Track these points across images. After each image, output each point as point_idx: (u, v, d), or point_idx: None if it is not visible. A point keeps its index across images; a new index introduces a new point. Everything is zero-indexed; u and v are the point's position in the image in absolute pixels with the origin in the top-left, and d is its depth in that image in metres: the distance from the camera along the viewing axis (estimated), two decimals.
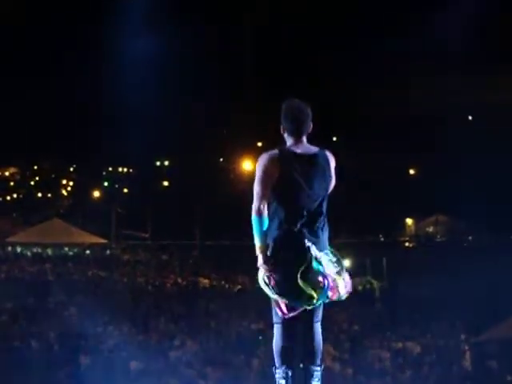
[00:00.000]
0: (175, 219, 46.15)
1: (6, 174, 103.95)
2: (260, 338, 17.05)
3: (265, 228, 5.58)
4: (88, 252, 44.32)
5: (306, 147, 5.70)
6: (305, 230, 5.49)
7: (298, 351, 5.72)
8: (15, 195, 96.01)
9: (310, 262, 5.41)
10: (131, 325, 18.94)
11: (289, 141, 5.74)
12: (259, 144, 54.84)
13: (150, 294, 26.81)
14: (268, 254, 5.56)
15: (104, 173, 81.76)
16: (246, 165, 44.55)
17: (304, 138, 5.73)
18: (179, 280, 32.07)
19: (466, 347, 16.47)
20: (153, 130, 58.80)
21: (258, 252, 5.60)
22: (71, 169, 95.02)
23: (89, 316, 20.88)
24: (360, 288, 30.30)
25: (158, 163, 75.42)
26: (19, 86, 66.53)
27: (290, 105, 5.80)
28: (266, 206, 5.59)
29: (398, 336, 17.85)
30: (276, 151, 5.61)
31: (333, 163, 5.75)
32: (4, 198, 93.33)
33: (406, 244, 51.64)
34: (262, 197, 5.55)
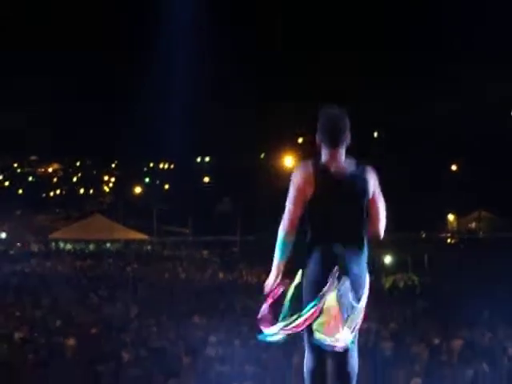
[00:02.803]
0: (216, 215, 46.26)
1: (49, 170, 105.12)
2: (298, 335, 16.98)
3: (288, 248, 5.37)
4: (129, 248, 44.64)
5: (342, 162, 5.38)
6: (340, 251, 5.23)
7: (330, 373, 5.42)
8: (58, 191, 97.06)
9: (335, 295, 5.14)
10: (171, 320, 18.98)
11: (324, 153, 5.41)
12: (299, 140, 54.81)
13: (190, 290, 26.86)
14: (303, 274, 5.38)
15: (145, 169, 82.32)
16: (287, 161, 44.47)
17: (341, 151, 5.39)
18: (219, 276, 32.13)
19: (509, 344, 16.25)
20: (193, 127, 59.02)
21: (273, 268, 5.47)
22: (113, 165, 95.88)
23: (130, 311, 21.02)
24: (401, 285, 30.14)
25: (198, 159, 75.72)
26: (63, 86, 67.25)
27: (325, 115, 5.47)
28: (294, 226, 5.33)
29: (440, 332, 17.69)
30: (311, 167, 5.31)
31: (373, 179, 5.43)
32: (47, 195, 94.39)
33: (448, 240, 51.26)
34: (293, 215, 5.30)
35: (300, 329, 5.33)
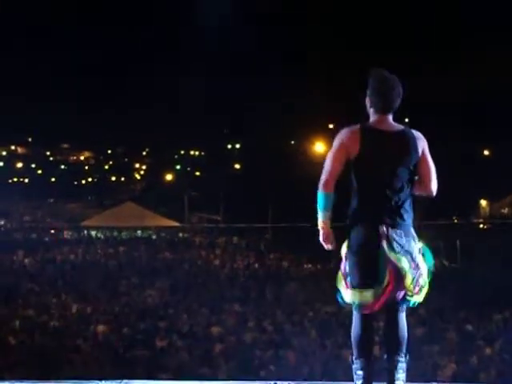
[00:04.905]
0: (247, 202, 46.21)
1: (81, 158, 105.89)
2: (333, 320, 17.04)
3: (329, 205, 5.25)
4: (161, 235, 44.79)
5: (390, 124, 5.31)
6: (386, 212, 5.18)
7: (383, 341, 5.49)
8: (90, 179, 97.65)
9: (382, 251, 5.13)
10: (205, 307, 19.06)
11: (373, 116, 5.35)
12: (330, 126, 54.52)
13: (223, 277, 26.95)
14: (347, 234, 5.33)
15: (176, 156, 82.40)
16: (318, 147, 44.22)
17: (390, 116, 5.33)
18: (251, 262, 32.15)
19: None
20: (223, 113, 59.06)
21: (319, 227, 5.31)
22: (144, 153, 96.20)
23: (162, 299, 21.14)
24: (433, 270, 29.96)
25: (229, 146, 75.59)
26: (93, 75, 67.70)
27: (379, 78, 5.33)
28: (332, 183, 5.25)
29: (469, 319, 17.63)
30: (358, 126, 5.26)
31: (422, 139, 5.33)
32: (79, 182, 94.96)
33: (481, 226, 50.87)
34: (332, 171, 5.24)
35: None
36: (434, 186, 5.46)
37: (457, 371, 12.61)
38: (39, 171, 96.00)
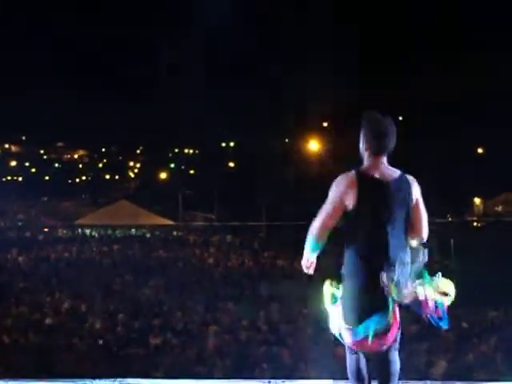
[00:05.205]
0: (241, 200, 46.19)
1: (75, 156, 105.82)
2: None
3: (318, 250, 5.28)
4: (155, 233, 44.75)
5: (385, 170, 5.25)
6: (384, 261, 5.13)
7: (374, 376, 5.44)
8: (84, 177, 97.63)
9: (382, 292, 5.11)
10: (199, 305, 19.04)
11: (367, 160, 5.28)
12: (324, 124, 54.57)
13: (217, 275, 26.93)
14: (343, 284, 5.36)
15: (170, 154, 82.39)
16: (312, 145, 44.20)
17: (384, 158, 5.27)
18: (246, 261, 32.14)
19: None
20: (218, 112, 58.99)
21: (304, 257, 5.38)
22: (138, 151, 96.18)
23: (157, 297, 21.11)
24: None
25: (223, 144, 75.57)
26: (88, 73, 67.68)
27: (372, 121, 5.31)
28: (324, 234, 5.23)
29: (464, 316, 17.63)
30: (354, 177, 5.17)
31: (416, 186, 5.34)
32: (73, 181, 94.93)
33: (474, 224, 50.93)
34: (326, 224, 5.21)
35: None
36: (425, 232, 5.47)
37: (450, 368, 12.61)
38: (33, 170, 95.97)
